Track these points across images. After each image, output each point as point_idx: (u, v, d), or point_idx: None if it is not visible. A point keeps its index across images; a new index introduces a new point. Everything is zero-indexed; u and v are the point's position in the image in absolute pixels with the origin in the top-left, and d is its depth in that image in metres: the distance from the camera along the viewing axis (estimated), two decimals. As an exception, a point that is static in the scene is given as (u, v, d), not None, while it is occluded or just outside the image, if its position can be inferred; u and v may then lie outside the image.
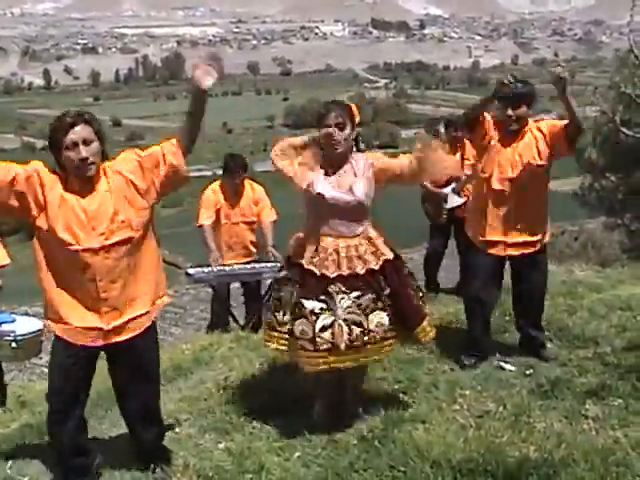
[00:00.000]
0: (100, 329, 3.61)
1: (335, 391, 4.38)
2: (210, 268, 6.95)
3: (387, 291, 4.17)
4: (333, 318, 4.04)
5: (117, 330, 3.64)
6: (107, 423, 4.59)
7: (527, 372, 5.05)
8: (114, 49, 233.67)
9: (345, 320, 4.04)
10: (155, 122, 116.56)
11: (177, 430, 4.41)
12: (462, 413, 4.37)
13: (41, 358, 4.67)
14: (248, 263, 7.23)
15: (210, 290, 7.75)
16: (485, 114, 4.99)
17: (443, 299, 7.34)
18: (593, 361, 5.10)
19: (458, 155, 7.60)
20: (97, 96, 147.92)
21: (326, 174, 4.19)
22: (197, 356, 5.81)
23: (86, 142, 3.48)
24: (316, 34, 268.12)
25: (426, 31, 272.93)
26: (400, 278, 4.25)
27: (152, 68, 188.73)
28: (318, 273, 4.12)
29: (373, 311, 4.11)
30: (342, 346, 4.03)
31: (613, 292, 6.79)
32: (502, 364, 5.18)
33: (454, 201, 7.62)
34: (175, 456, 4.05)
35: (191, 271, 7.02)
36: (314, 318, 4.05)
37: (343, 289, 4.09)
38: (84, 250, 3.50)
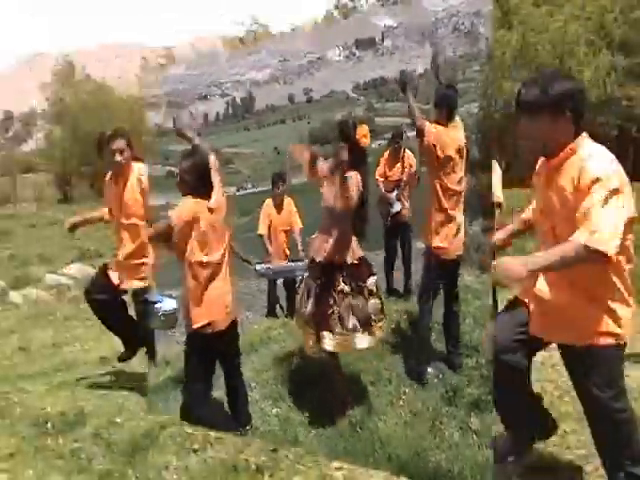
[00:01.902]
0: None
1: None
2: (270, 265, 6.69)
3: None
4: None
5: None
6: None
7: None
8: (217, 96, 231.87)
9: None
10: (238, 149, 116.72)
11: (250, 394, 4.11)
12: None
13: (175, 331, 4.63)
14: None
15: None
16: None
17: (396, 301, 6.34)
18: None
19: (399, 164, 6.72)
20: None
21: None
22: (262, 336, 5.63)
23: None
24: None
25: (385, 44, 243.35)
26: (323, 283, 3.74)
27: (236, 107, 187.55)
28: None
29: (309, 297, 3.80)
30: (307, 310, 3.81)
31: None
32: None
33: (396, 206, 6.69)
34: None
35: (257, 267, 6.68)
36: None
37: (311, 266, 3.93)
38: None
